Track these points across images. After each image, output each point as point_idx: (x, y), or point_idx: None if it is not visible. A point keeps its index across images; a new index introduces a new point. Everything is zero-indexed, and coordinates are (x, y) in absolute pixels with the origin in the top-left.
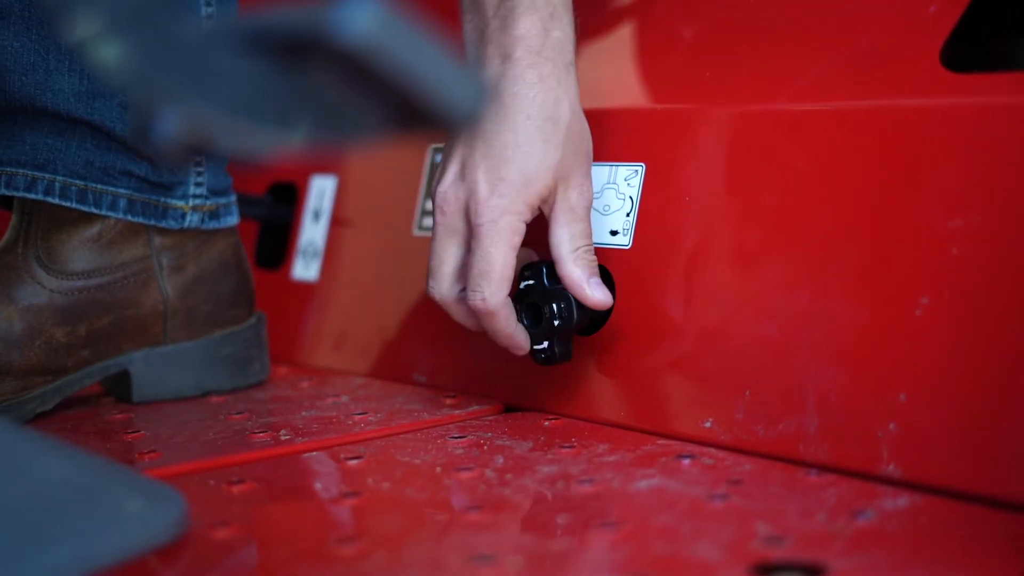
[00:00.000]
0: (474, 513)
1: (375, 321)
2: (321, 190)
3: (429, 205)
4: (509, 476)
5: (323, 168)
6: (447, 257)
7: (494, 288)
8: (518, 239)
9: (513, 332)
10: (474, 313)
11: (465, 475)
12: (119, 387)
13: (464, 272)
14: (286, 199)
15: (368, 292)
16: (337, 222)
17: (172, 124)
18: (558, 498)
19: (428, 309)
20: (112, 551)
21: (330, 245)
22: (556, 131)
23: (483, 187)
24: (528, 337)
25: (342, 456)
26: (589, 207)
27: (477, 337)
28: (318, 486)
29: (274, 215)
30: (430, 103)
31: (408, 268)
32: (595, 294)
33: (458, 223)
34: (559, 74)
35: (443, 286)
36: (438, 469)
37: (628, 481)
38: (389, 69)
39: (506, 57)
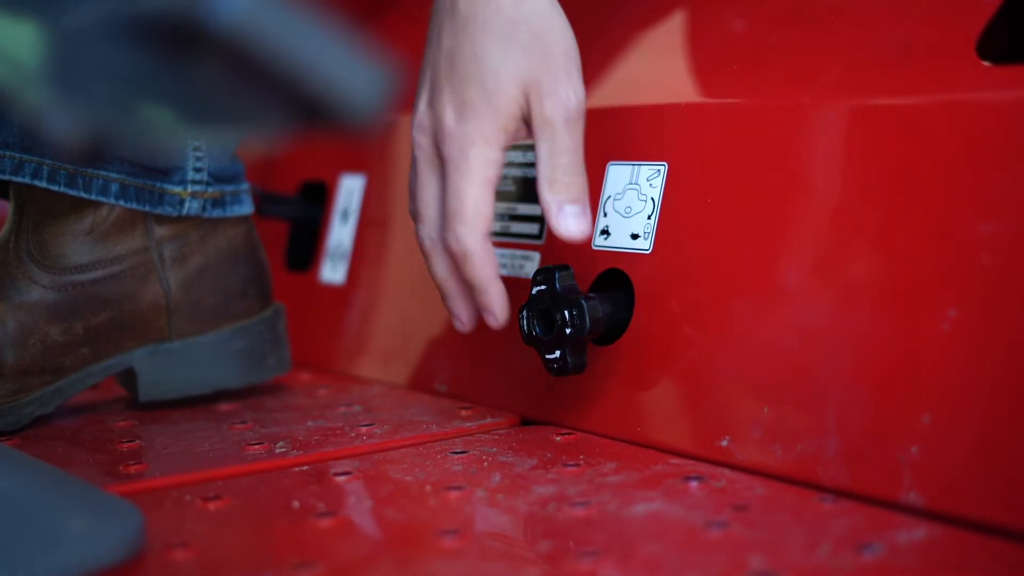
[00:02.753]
0: (449, 538)
1: (399, 327)
2: (350, 189)
3: None
4: (500, 497)
5: (353, 166)
6: (429, 194)
7: (467, 227)
8: (493, 171)
9: (488, 283)
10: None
11: (454, 495)
12: (130, 386)
13: None
14: (318, 199)
15: (392, 297)
16: (364, 223)
17: (63, 119)
18: (545, 522)
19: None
20: (44, 574)
21: (357, 247)
22: (516, 34)
23: (448, 113)
24: (505, 304)
25: (332, 472)
26: (571, 117)
27: (498, 346)
28: (295, 504)
29: (304, 215)
30: (321, 95)
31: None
32: (564, 224)
33: (435, 155)
34: None
35: (433, 228)
36: (428, 487)
37: (625, 505)
38: (269, 57)
39: None
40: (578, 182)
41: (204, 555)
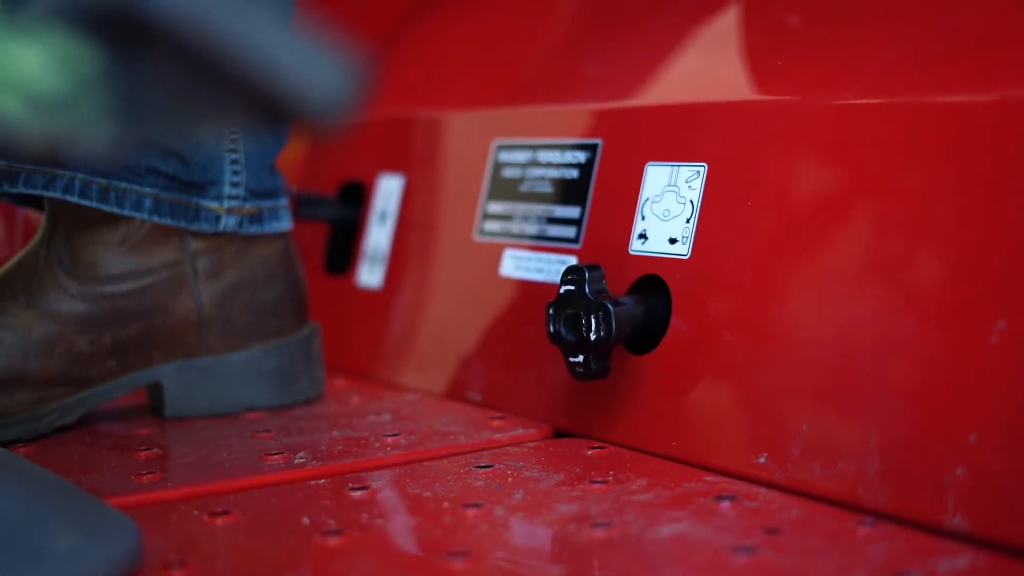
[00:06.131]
0: (458, 560)
1: (435, 333)
2: (388, 190)
3: (491, 208)
4: (519, 515)
5: (391, 165)
6: None
7: None
8: None
9: None
10: None
11: (471, 512)
12: (157, 401)
13: None
14: (357, 199)
15: (429, 302)
16: (402, 225)
17: (15, 116)
18: (561, 544)
19: (486, 322)
20: None
21: (395, 250)
22: None
23: None
24: None
25: (348, 486)
26: None
27: (532, 356)
28: (305, 521)
29: (343, 216)
30: (277, 91)
31: (468, 276)
32: None
33: None
34: None
35: None
36: (446, 504)
37: (650, 526)
38: (218, 49)
39: None
40: None
41: (201, 574)
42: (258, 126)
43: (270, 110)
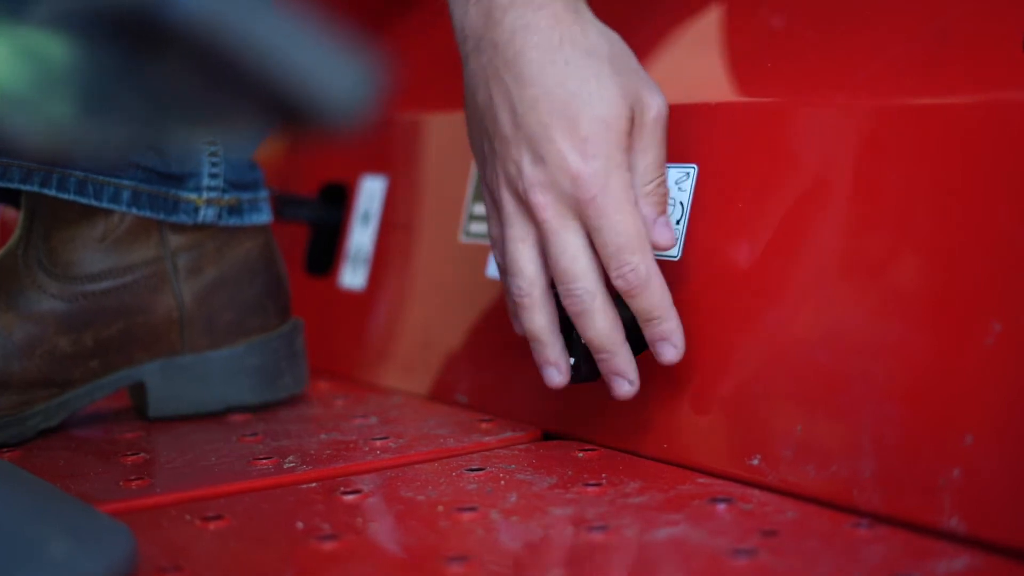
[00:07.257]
0: (456, 565)
1: (420, 335)
2: (371, 191)
3: (476, 210)
4: (515, 519)
5: (374, 166)
6: (529, 253)
7: (641, 253)
8: (632, 192)
9: (669, 309)
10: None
11: (466, 516)
12: (140, 401)
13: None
14: (338, 201)
15: (413, 303)
16: (385, 226)
17: (21, 120)
18: (558, 548)
19: (471, 324)
20: None
21: (378, 251)
22: (599, 60)
23: (571, 157)
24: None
25: (340, 490)
26: (665, 126)
27: (520, 357)
28: (299, 525)
29: (324, 218)
30: (296, 94)
31: (453, 278)
32: (660, 236)
33: (565, 206)
34: (570, 4)
35: (537, 284)
36: (440, 508)
37: (646, 529)
38: (237, 52)
39: (506, 8)
40: (666, 193)
41: None
42: (276, 128)
43: (288, 113)
